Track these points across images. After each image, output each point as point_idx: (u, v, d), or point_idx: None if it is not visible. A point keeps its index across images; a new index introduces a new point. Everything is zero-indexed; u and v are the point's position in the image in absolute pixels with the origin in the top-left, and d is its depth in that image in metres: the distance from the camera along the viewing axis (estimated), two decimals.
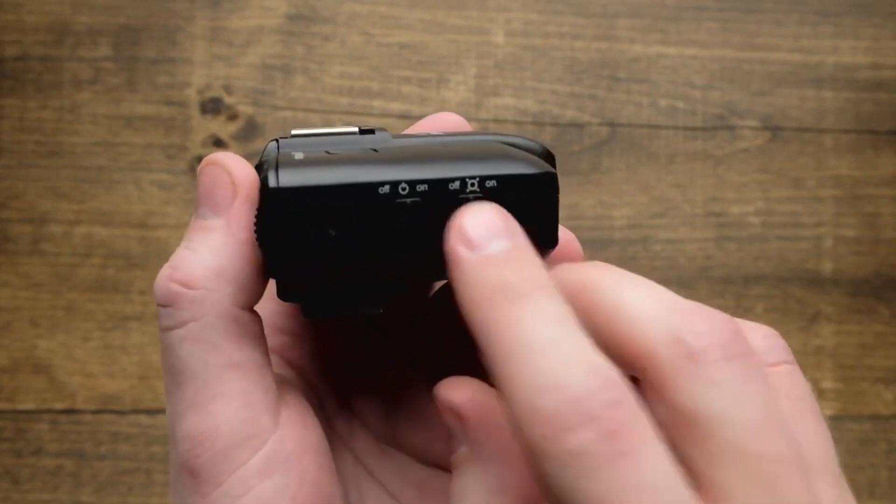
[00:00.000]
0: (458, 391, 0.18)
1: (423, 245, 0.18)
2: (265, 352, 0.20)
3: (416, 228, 0.18)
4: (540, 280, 0.17)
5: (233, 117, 0.60)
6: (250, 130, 0.60)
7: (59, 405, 0.58)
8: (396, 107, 0.60)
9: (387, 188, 0.18)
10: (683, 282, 0.60)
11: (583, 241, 0.25)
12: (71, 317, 0.58)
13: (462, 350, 0.24)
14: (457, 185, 0.18)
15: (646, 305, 0.16)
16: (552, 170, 0.20)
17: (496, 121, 0.61)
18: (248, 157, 0.61)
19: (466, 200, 0.18)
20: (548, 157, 0.21)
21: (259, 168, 0.20)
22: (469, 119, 0.60)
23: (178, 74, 0.60)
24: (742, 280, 0.60)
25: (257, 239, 0.19)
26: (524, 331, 0.16)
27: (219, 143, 0.59)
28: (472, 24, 0.61)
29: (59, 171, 0.59)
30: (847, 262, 0.61)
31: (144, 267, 0.59)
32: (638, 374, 0.16)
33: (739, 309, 0.60)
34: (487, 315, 0.16)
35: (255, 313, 0.20)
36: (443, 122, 0.24)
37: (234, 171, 0.19)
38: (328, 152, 0.19)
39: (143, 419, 0.58)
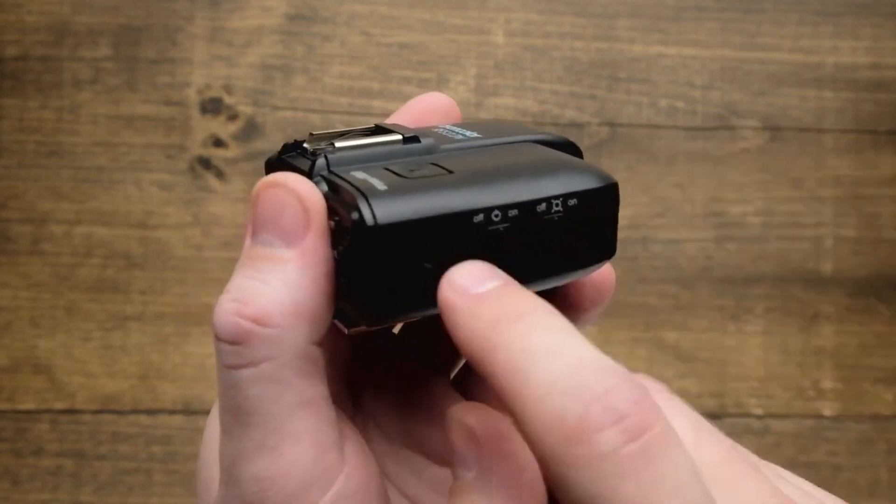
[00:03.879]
0: (475, 414, 0.17)
1: (507, 267, 0.18)
2: (326, 382, 0.19)
3: (505, 252, 0.18)
4: (535, 301, 0.16)
5: (233, 117, 0.60)
6: (250, 130, 0.60)
7: (59, 405, 0.58)
8: (396, 107, 0.60)
9: (481, 216, 0.18)
10: (683, 282, 0.60)
11: None
12: (71, 317, 0.58)
13: None
14: (543, 206, 0.19)
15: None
16: (615, 179, 0.20)
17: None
18: (248, 157, 0.61)
19: (552, 221, 0.18)
20: (577, 150, 0.21)
21: (334, 194, 0.19)
22: (469, 119, 0.60)
23: (178, 74, 0.60)
24: (742, 280, 0.60)
25: (342, 274, 0.18)
26: (531, 342, 0.16)
27: (219, 143, 0.59)
28: (472, 24, 0.61)
29: (59, 171, 0.59)
30: (847, 263, 0.61)
31: (144, 267, 0.58)
32: None
33: (739, 309, 0.60)
34: (489, 342, 0.16)
35: (321, 345, 0.19)
36: (430, 105, 0.24)
37: (304, 196, 0.18)
38: (396, 173, 0.19)
39: (143, 419, 0.58)
